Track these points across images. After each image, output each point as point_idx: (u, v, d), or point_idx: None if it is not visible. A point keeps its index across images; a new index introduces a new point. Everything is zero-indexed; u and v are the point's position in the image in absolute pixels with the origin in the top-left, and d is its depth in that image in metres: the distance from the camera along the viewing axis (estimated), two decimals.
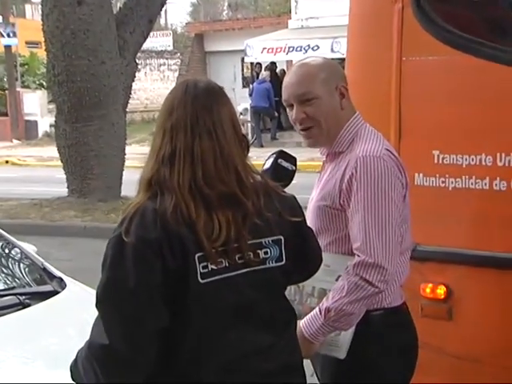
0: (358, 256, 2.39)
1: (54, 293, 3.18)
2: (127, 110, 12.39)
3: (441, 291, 3.20)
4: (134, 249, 1.90)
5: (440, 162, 3.13)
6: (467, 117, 3.14)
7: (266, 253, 2.03)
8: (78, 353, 2.02)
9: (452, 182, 3.14)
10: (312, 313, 2.44)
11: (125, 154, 11.85)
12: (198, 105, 2.01)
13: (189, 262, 1.91)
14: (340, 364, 2.50)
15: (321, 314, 2.41)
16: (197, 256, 1.92)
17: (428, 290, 3.22)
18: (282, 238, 2.06)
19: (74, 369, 2.02)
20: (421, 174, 3.18)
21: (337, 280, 2.44)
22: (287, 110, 2.60)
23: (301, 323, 2.42)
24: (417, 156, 3.18)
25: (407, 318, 2.62)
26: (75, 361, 2.02)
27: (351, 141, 2.53)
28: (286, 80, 2.59)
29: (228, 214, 1.96)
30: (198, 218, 1.92)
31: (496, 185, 3.07)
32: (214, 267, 1.94)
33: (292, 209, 2.11)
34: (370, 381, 2.51)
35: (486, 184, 3.08)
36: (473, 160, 3.09)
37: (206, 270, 1.94)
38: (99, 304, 1.94)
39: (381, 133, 2.59)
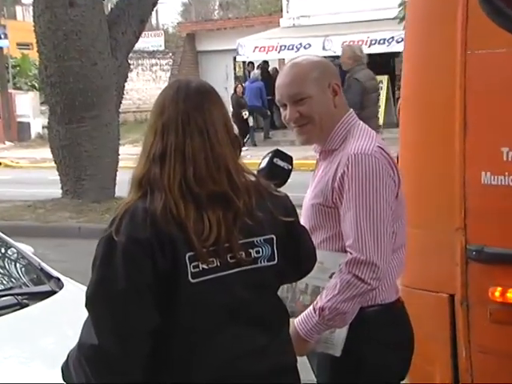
0: (351, 253, 2.41)
1: (52, 293, 3.19)
2: (120, 110, 12.38)
3: (511, 295, 3.01)
4: (124, 248, 1.89)
5: (509, 159, 2.94)
6: None
7: (257, 252, 2.03)
8: (69, 353, 2.02)
9: None
10: (306, 311, 2.46)
11: (118, 155, 11.84)
12: (189, 104, 2.02)
13: (179, 261, 1.91)
14: (335, 361, 2.51)
15: (315, 312, 2.42)
16: (187, 256, 1.91)
17: (497, 294, 3.01)
18: (273, 237, 2.06)
19: (65, 369, 2.02)
20: (488, 173, 2.98)
21: (330, 277, 2.45)
22: (281, 109, 2.61)
23: (295, 321, 2.43)
24: (484, 154, 3.01)
25: (402, 314, 2.63)
26: (66, 361, 2.02)
27: (344, 138, 2.54)
28: (279, 81, 2.60)
29: (218, 213, 1.96)
30: (187, 217, 1.92)
31: None
32: (205, 267, 1.94)
33: (284, 208, 2.11)
34: (365, 377, 2.52)
35: None
36: None
37: (197, 270, 1.93)
38: (89, 304, 1.94)
39: (445, 130, 2.53)
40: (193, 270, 1.92)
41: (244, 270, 2.00)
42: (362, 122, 2.62)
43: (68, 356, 2.02)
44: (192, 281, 1.92)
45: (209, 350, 1.96)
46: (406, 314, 2.64)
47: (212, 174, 1.98)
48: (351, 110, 2.63)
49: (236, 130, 2.15)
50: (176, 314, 1.94)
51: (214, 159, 1.99)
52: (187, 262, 1.91)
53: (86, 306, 1.94)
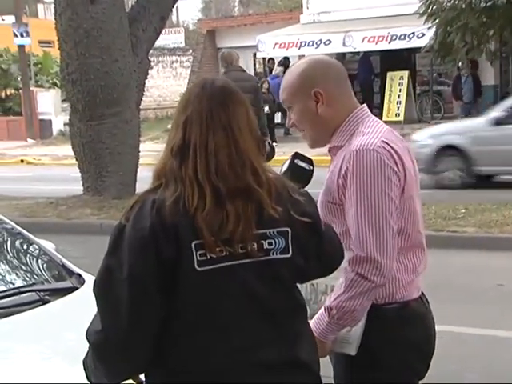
0: (353, 251, 2.39)
1: (73, 289, 3.20)
2: (140, 107, 12.42)
3: None
4: (129, 236, 1.92)
5: None
6: None
7: (270, 244, 2.01)
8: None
9: None
10: (319, 312, 2.45)
11: (139, 152, 11.88)
12: (214, 101, 2.02)
13: (184, 249, 1.91)
14: (351, 359, 2.49)
15: (325, 312, 2.42)
16: (194, 244, 1.91)
17: None
18: (288, 230, 2.03)
19: (84, 362, 2.07)
20: None
21: None
22: None
23: (311, 323, 2.41)
24: None
25: (421, 313, 2.59)
26: (86, 354, 2.06)
27: (351, 135, 2.53)
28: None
29: (238, 205, 1.96)
30: (198, 207, 1.92)
31: None
32: (213, 255, 1.93)
33: (301, 209, 2.08)
34: (381, 375, 2.49)
35: None
36: None
37: (204, 258, 1.92)
38: (95, 290, 1.98)
39: None
40: (199, 258, 1.92)
41: (255, 261, 1.98)
42: (374, 117, 2.60)
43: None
44: (198, 269, 1.92)
45: (215, 340, 1.95)
46: (425, 313, 2.61)
47: (236, 169, 1.98)
48: (363, 106, 2.62)
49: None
50: (181, 302, 1.94)
51: (238, 155, 1.99)
52: (193, 249, 1.91)
53: (93, 291, 1.98)
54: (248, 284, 1.98)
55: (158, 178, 2.03)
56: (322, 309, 2.43)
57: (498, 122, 12.21)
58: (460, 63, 17.78)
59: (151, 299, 1.92)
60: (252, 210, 1.98)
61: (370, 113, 2.62)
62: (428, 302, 2.65)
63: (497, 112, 12.62)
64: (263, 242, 2.00)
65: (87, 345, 2.80)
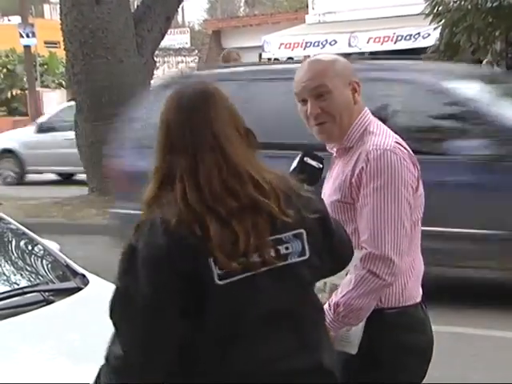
0: (366, 249, 2.39)
1: (77, 289, 3.20)
2: None
3: None
4: (145, 256, 1.86)
5: None
6: None
7: (286, 248, 1.96)
8: (100, 367, 1.99)
9: None
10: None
11: None
12: (193, 119, 1.95)
13: (202, 264, 1.86)
14: (351, 361, 2.47)
15: (330, 309, 2.41)
16: (211, 259, 1.86)
17: None
18: (303, 231, 1.99)
19: (98, 377, 2.00)
20: None
21: (347, 275, 2.43)
22: (299, 105, 2.58)
23: None
24: None
25: (421, 318, 2.58)
26: (98, 375, 2.00)
27: (361, 136, 2.52)
28: (298, 75, 2.57)
29: (247, 223, 1.90)
30: (207, 230, 1.86)
31: None
32: (229, 267, 1.88)
33: (312, 207, 2.06)
34: (380, 379, 2.48)
35: None
36: None
37: (224, 271, 1.87)
38: (112, 314, 1.91)
39: None
40: (219, 272, 1.87)
41: (273, 268, 1.94)
42: (376, 120, 2.60)
43: (99, 369, 1.99)
44: (219, 283, 1.87)
45: (239, 351, 1.91)
46: (426, 318, 2.60)
47: (234, 189, 1.91)
48: (366, 108, 2.62)
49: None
50: (205, 318, 1.89)
51: (232, 173, 1.92)
52: (211, 264, 1.86)
53: (109, 317, 1.91)
54: (269, 292, 1.94)
55: (149, 207, 1.94)
56: (326, 305, 2.41)
57: (41, 130, 15.71)
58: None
59: (171, 317, 1.87)
60: (263, 222, 1.92)
61: (372, 115, 2.62)
62: (426, 308, 2.65)
63: (41, 120, 16.41)
64: (280, 247, 1.95)
65: (91, 344, 2.81)
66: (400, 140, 2.53)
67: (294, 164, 2.60)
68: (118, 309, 1.90)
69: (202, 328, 1.89)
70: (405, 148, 2.49)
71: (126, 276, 1.89)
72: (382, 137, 2.49)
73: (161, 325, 1.87)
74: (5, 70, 27.71)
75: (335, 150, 2.62)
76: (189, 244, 1.86)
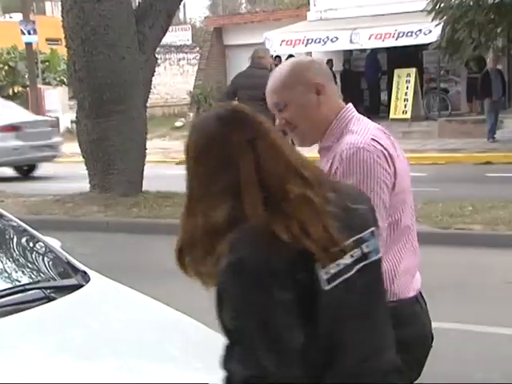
0: None
1: (79, 286, 3.20)
2: (147, 104, 12.42)
3: None
4: (253, 270, 1.80)
5: None
6: None
7: (367, 246, 1.97)
8: None
9: None
10: None
11: (146, 149, 11.88)
12: (241, 132, 1.91)
13: (310, 271, 1.84)
14: None
15: None
16: (316, 264, 1.84)
17: None
18: (374, 228, 2.01)
19: None
20: None
21: None
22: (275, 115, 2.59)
23: None
24: None
25: (414, 313, 2.58)
26: None
27: (340, 134, 2.53)
28: (266, 88, 2.58)
29: (332, 219, 1.88)
30: (306, 237, 1.83)
31: None
32: (332, 271, 1.87)
33: (370, 203, 2.08)
34: None
35: None
36: None
37: (326, 277, 1.86)
38: (239, 335, 1.83)
39: None
40: (324, 277, 1.86)
41: (361, 268, 1.94)
42: (361, 116, 2.60)
43: None
44: (325, 288, 1.86)
45: (345, 355, 1.90)
46: (419, 313, 2.60)
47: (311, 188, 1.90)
48: (349, 105, 2.61)
49: None
50: (315, 324, 1.85)
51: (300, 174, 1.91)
52: (318, 270, 1.85)
53: (234, 340, 1.84)
54: (357, 293, 1.95)
55: (226, 229, 1.85)
56: None
57: None
58: (488, 59, 17.69)
59: (295, 327, 1.82)
60: (345, 218, 1.92)
61: (356, 112, 2.62)
62: (425, 303, 2.64)
63: None
64: (363, 246, 1.96)
65: (93, 341, 2.80)
66: (379, 135, 2.52)
67: None
68: (245, 328, 1.82)
69: (311, 337, 1.85)
70: (381, 145, 2.47)
71: (245, 293, 1.81)
72: (359, 134, 2.48)
73: (288, 335, 1.81)
74: (6, 67, 27.69)
75: (318, 150, 2.64)
76: (296, 251, 1.82)
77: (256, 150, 1.89)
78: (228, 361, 1.86)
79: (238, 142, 1.90)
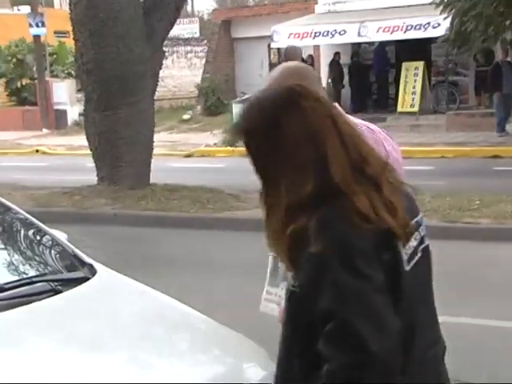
0: None
1: (85, 279, 3.20)
2: (155, 97, 12.42)
3: None
4: (351, 251, 1.79)
5: None
6: None
7: (422, 230, 1.99)
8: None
9: None
10: None
11: (153, 142, 11.89)
12: (321, 112, 1.91)
13: (395, 252, 1.84)
14: None
15: None
16: (399, 244, 1.85)
17: None
18: (421, 214, 2.03)
19: None
20: None
21: None
22: None
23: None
24: None
25: None
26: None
27: None
28: None
29: (399, 198, 1.90)
30: (377, 213, 1.82)
31: None
32: (408, 252, 1.88)
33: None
34: None
35: None
36: None
37: (407, 257, 1.87)
38: (340, 319, 1.77)
39: None
40: (405, 257, 1.86)
41: (422, 251, 1.95)
42: (347, 115, 2.75)
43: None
44: (406, 269, 1.86)
45: (418, 341, 1.89)
46: None
47: (375, 162, 1.92)
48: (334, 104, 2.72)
49: None
50: (399, 307, 1.83)
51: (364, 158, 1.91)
52: (401, 251, 1.85)
53: (334, 325, 1.77)
54: (424, 276, 1.96)
55: (314, 200, 1.82)
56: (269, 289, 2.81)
57: None
58: (497, 51, 17.55)
59: (392, 309, 1.80)
60: (405, 201, 1.93)
61: (342, 111, 2.70)
62: None
63: None
64: (420, 229, 1.98)
65: (99, 333, 2.81)
66: (368, 123, 2.68)
67: None
68: (351, 311, 1.76)
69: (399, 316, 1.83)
70: (371, 129, 2.65)
71: (347, 275, 1.78)
72: None
73: (390, 317, 1.79)
74: (14, 60, 27.71)
75: None
76: (380, 230, 1.82)
77: (336, 125, 1.89)
78: (327, 346, 1.78)
79: (323, 116, 1.89)
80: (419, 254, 1.93)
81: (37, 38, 25.46)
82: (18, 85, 27.97)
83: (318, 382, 1.81)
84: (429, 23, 18.38)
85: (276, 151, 1.88)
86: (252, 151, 1.93)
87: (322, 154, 1.85)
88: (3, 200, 3.73)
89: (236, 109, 18.52)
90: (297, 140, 1.87)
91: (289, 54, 9.88)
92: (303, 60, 20.52)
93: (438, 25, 17.62)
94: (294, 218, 1.84)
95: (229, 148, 16.63)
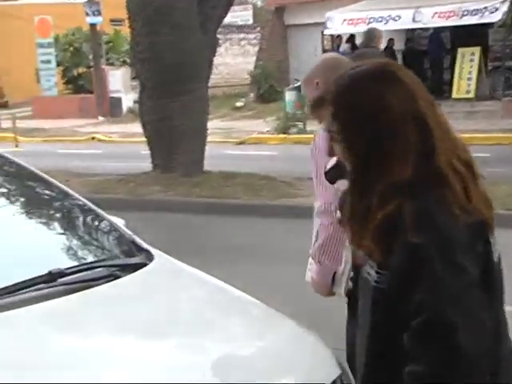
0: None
1: (143, 265, 3.24)
2: (209, 85, 12.46)
3: None
4: (457, 244, 1.74)
5: None
6: None
7: None
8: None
9: None
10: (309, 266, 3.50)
11: (207, 129, 11.93)
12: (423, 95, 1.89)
13: (489, 242, 1.82)
14: None
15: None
16: (491, 235, 1.83)
17: None
18: None
19: None
20: None
21: None
22: None
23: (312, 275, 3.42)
24: None
25: None
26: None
27: None
28: None
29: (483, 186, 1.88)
30: (474, 199, 1.80)
31: None
32: (493, 241, 1.85)
33: None
34: None
35: None
36: None
37: (495, 248, 1.84)
38: (437, 313, 1.71)
39: None
40: (492, 249, 1.83)
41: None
42: None
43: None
44: (496, 260, 1.84)
45: (504, 342, 1.86)
46: None
47: (466, 150, 1.91)
48: None
49: None
50: (489, 298, 1.81)
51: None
52: (493, 240, 1.83)
53: (429, 318, 1.71)
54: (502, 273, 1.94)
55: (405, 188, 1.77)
56: (310, 259, 3.38)
57: None
58: None
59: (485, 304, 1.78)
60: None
61: None
62: None
63: None
64: None
65: (157, 320, 2.84)
66: None
67: (332, 162, 2.56)
68: (447, 303, 1.70)
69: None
70: None
71: (451, 265, 1.72)
72: None
73: (483, 312, 1.76)
74: (71, 49, 28.06)
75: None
76: (474, 221, 1.78)
77: (435, 109, 1.86)
78: (415, 341, 1.73)
79: (425, 98, 1.85)
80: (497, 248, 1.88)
81: (93, 26, 25.70)
82: (75, 73, 28.32)
83: (403, 382, 1.73)
84: (486, 8, 18.03)
85: (376, 131, 1.80)
86: (346, 130, 1.84)
87: (426, 138, 1.78)
88: (62, 186, 3.79)
89: (289, 96, 18.49)
90: (402, 118, 1.79)
91: (370, 35, 9.72)
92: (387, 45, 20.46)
93: (495, 10, 17.29)
94: (385, 203, 1.76)
95: (281, 135, 16.66)
